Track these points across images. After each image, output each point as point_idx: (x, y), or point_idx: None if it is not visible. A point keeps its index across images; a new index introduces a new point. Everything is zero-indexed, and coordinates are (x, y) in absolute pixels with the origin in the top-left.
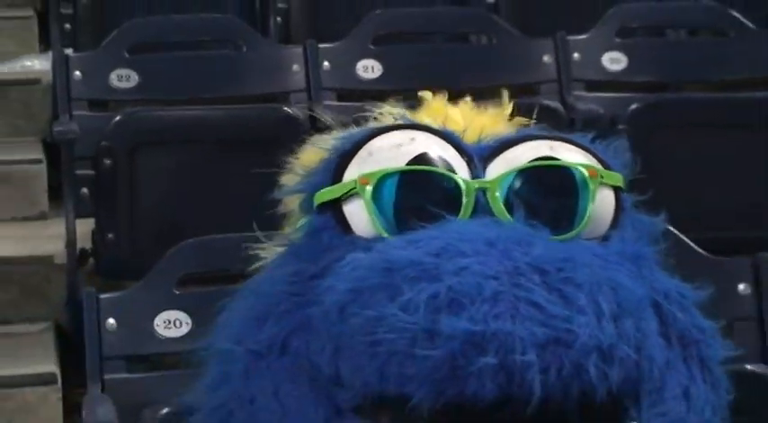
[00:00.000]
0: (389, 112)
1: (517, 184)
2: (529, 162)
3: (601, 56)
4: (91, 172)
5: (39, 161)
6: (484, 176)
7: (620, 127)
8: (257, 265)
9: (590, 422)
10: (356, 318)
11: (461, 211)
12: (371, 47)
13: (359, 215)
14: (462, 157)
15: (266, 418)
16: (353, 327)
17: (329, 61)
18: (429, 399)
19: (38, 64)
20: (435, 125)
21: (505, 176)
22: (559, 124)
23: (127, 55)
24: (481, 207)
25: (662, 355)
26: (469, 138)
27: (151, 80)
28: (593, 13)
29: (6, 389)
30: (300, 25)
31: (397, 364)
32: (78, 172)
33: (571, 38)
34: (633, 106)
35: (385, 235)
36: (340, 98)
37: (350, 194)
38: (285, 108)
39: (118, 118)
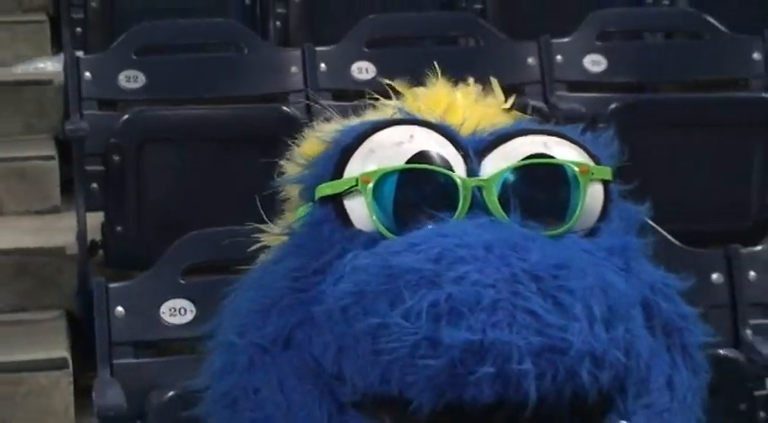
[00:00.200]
0: (387, 103)
1: (512, 179)
2: (523, 159)
3: (582, 58)
4: (100, 168)
5: (51, 158)
6: (479, 170)
7: (601, 125)
8: (259, 253)
9: (580, 419)
10: (359, 323)
11: (458, 208)
12: (365, 49)
13: (359, 211)
14: (459, 151)
15: (271, 410)
16: (357, 332)
17: (326, 63)
18: (429, 402)
19: (50, 66)
20: (434, 118)
21: (501, 174)
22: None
23: (134, 57)
24: (477, 202)
25: (647, 349)
26: (467, 129)
27: (157, 81)
28: (575, 18)
29: (20, 373)
30: (299, 29)
31: (399, 370)
32: (89, 168)
33: (554, 41)
34: (613, 106)
35: (384, 232)
36: (336, 98)
37: (351, 190)
38: (284, 107)
39: (126, 117)
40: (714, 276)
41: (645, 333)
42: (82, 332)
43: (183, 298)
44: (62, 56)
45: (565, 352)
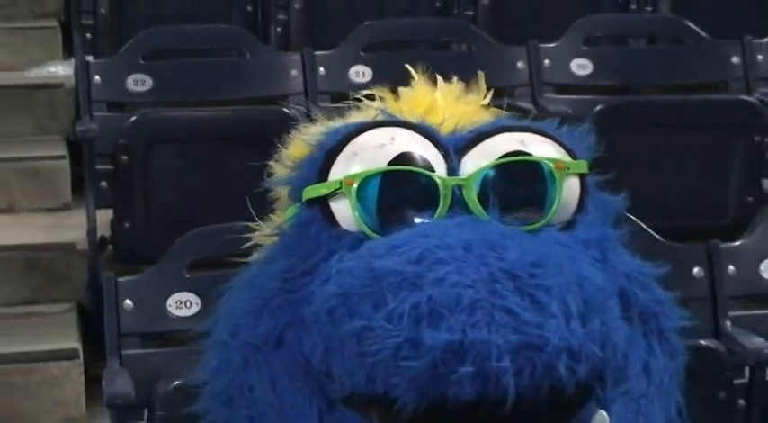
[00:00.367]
0: (370, 104)
1: (491, 176)
2: (501, 157)
3: (569, 62)
4: (109, 167)
5: (62, 157)
6: (459, 168)
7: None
8: (253, 250)
9: (559, 411)
10: (345, 325)
11: (439, 207)
12: (362, 54)
13: (344, 212)
14: (439, 151)
15: (264, 408)
16: (343, 334)
17: (324, 67)
18: (413, 401)
19: (61, 70)
20: (415, 118)
21: (479, 173)
22: None
23: (142, 61)
24: (458, 200)
25: (624, 338)
26: (447, 128)
27: (164, 84)
28: (562, 24)
29: (33, 363)
30: (298, 35)
31: (383, 371)
32: (98, 167)
33: (542, 46)
34: (598, 107)
35: (368, 232)
36: (334, 100)
37: (336, 193)
38: (285, 109)
39: (134, 118)
40: (695, 270)
41: (621, 323)
42: (92, 324)
43: (189, 291)
44: (73, 60)
45: (542, 348)
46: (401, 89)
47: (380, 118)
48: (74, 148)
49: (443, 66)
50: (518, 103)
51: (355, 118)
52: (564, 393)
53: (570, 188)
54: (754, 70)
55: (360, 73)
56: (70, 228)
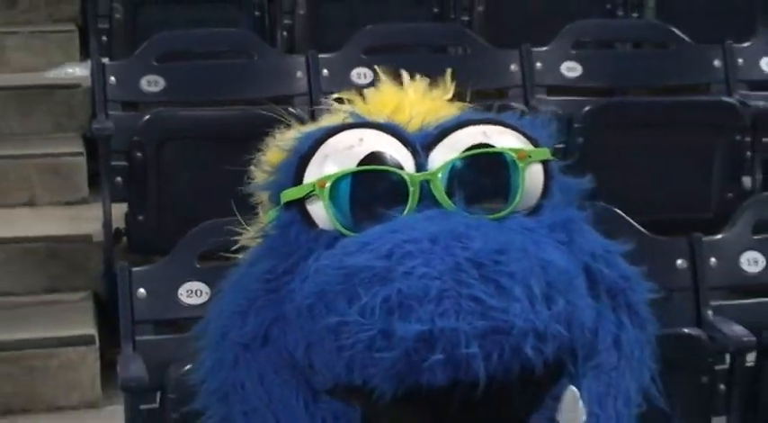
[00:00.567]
0: (340, 108)
1: (457, 169)
2: (465, 150)
3: (559, 65)
4: (124, 163)
5: (80, 154)
6: (427, 164)
7: (576, 125)
8: (241, 251)
9: (530, 390)
10: (323, 320)
11: (409, 201)
12: (364, 56)
13: (320, 212)
14: (407, 148)
15: (255, 403)
16: (321, 329)
17: (328, 69)
18: (390, 388)
19: (78, 71)
20: (382, 118)
21: (445, 167)
22: None
23: (155, 63)
24: (426, 194)
25: (591, 316)
26: (414, 126)
27: (176, 85)
28: (553, 29)
29: (52, 348)
30: (303, 38)
31: (360, 362)
32: (113, 163)
33: (534, 50)
34: (586, 108)
35: (343, 230)
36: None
37: (311, 195)
38: (290, 109)
39: (147, 117)
40: (679, 262)
41: (588, 301)
42: (107, 312)
43: (199, 281)
44: (89, 62)
45: (508, 332)
46: (367, 91)
47: (349, 120)
48: (90, 145)
49: (440, 68)
50: (511, 104)
51: (327, 122)
52: (534, 373)
53: (534, 175)
54: (734, 73)
55: (361, 75)
56: (87, 220)
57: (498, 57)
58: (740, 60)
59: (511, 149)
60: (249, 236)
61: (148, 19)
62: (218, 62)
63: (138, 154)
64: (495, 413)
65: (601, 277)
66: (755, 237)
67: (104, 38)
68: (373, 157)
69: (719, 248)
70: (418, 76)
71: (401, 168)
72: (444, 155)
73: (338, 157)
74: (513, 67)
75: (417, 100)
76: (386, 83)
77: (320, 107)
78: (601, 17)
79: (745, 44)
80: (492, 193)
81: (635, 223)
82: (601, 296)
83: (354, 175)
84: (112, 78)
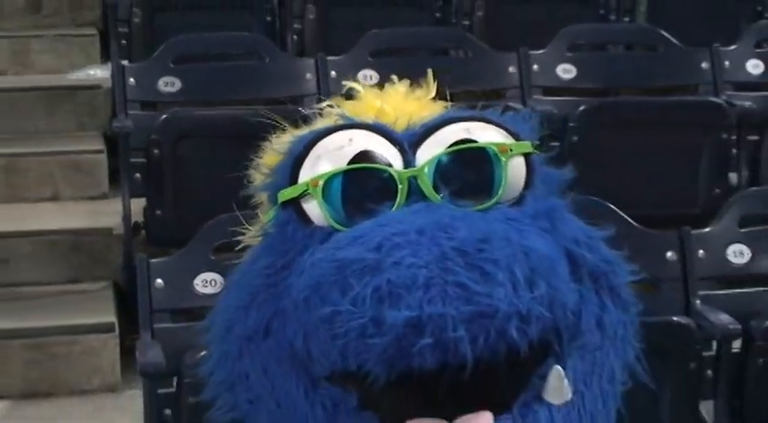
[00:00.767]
0: (331, 112)
1: (443, 164)
2: (449, 146)
3: (555, 67)
4: (143, 160)
5: (101, 151)
6: (415, 161)
7: (571, 125)
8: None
9: (517, 370)
10: (318, 311)
11: (398, 197)
12: (370, 59)
13: (315, 210)
14: (395, 146)
15: (259, 392)
16: (316, 319)
17: (336, 71)
18: (383, 373)
19: (99, 72)
20: (370, 119)
21: (431, 162)
22: None
23: (172, 65)
24: (415, 189)
25: (574, 298)
26: (400, 125)
27: (192, 86)
28: (549, 33)
29: (74, 335)
30: (312, 42)
31: (354, 349)
32: (132, 160)
33: (531, 52)
34: (581, 108)
35: (336, 226)
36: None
37: (305, 194)
38: (300, 109)
39: (164, 116)
40: (668, 254)
41: (570, 285)
42: (127, 301)
43: (214, 272)
44: (110, 64)
45: (493, 315)
46: (353, 95)
47: (340, 122)
48: (111, 142)
49: (442, 70)
50: (509, 104)
51: (319, 124)
52: (519, 354)
53: (516, 167)
54: (721, 75)
55: (368, 76)
56: (108, 214)
57: (497, 59)
58: (727, 63)
59: (493, 144)
60: (251, 235)
61: (166, 23)
62: (232, 64)
63: (156, 151)
64: (483, 394)
65: (583, 262)
66: (741, 230)
67: (124, 41)
68: (363, 156)
69: (707, 241)
70: (394, 78)
71: (390, 166)
72: (430, 152)
73: (330, 157)
74: (511, 69)
75: (399, 102)
76: (367, 89)
77: (311, 110)
78: (594, 22)
79: (732, 47)
80: (477, 186)
81: (627, 217)
82: (584, 280)
83: (345, 174)
84: (132, 80)
